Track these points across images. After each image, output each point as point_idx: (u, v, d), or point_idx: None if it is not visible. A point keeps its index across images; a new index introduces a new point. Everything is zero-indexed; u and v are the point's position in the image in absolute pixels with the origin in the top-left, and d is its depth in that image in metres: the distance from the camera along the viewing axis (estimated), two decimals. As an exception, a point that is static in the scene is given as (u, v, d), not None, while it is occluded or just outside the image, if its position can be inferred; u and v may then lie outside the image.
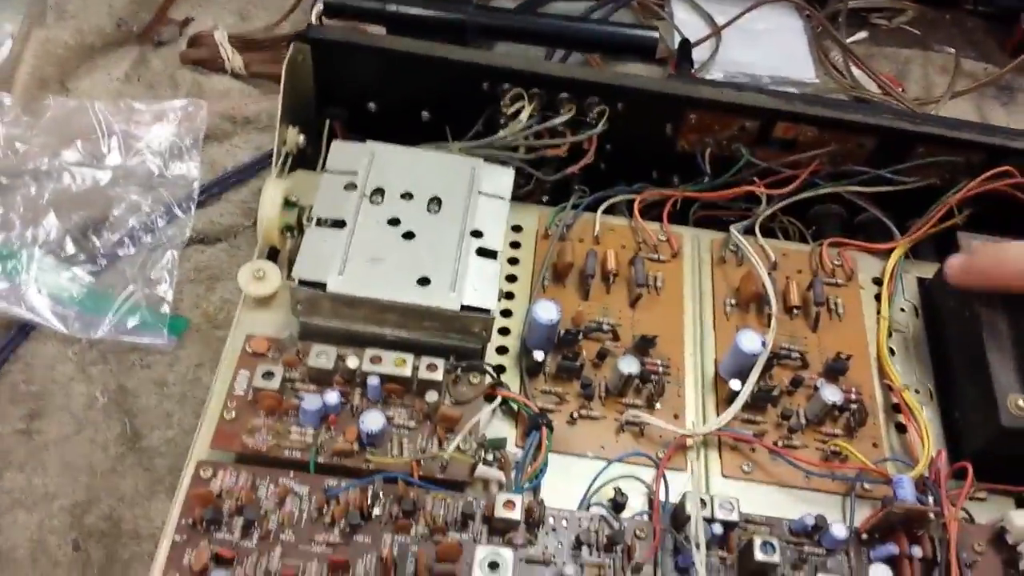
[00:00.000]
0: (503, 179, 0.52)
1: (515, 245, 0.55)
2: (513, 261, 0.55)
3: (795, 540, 0.45)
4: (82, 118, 0.52)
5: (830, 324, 0.54)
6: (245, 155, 0.56)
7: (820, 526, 0.45)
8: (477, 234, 0.49)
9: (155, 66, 0.61)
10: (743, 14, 0.81)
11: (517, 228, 0.56)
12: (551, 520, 0.43)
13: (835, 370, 0.51)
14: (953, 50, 0.83)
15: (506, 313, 0.52)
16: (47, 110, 0.53)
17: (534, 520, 0.43)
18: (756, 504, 0.46)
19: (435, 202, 0.50)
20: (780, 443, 0.49)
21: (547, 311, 0.48)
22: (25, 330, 0.49)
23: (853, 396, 0.50)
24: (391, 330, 0.48)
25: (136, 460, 0.49)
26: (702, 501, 0.44)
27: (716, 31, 0.79)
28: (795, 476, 0.48)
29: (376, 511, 0.43)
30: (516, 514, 0.42)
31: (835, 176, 0.57)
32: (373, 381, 0.46)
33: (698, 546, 0.42)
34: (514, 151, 0.56)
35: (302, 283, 0.46)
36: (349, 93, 0.56)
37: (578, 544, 0.43)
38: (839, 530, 0.44)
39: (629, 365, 0.48)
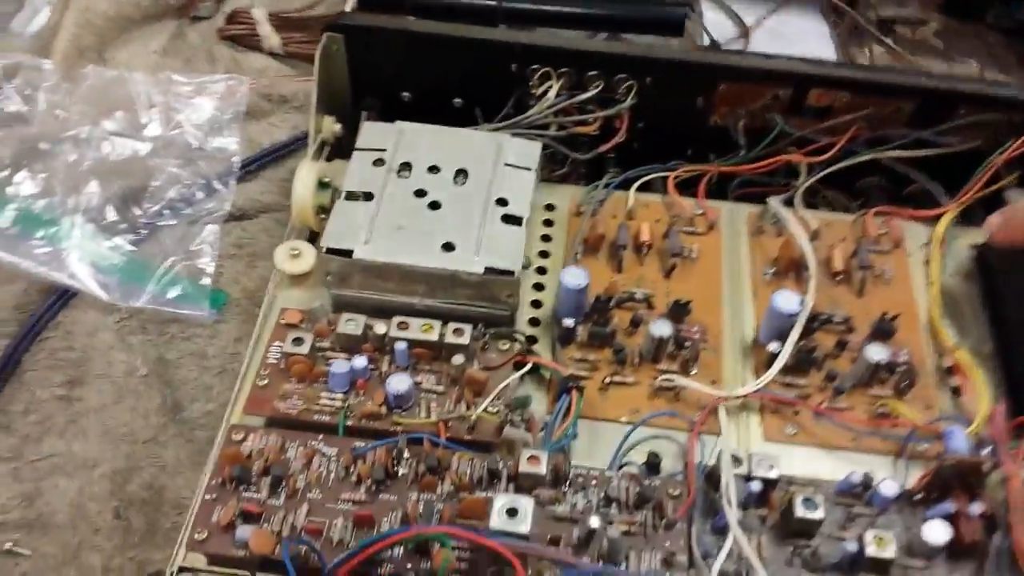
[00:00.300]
0: (530, 151, 0.52)
1: (548, 223, 0.55)
2: (546, 238, 0.54)
3: (843, 501, 0.43)
4: (121, 88, 0.54)
5: (877, 290, 0.52)
6: (282, 133, 0.57)
7: (868, 484, 0.42)
8: (503, 202, 0.49)
9: (192, 41, 0.61)
10: (770, 15, 0.81)
11: (550, 207, 0.56)
12: (580, 480, 0.42)
13: (882, 332, 0.49)
14: (975, 63, 0.80)
15: (539, 287, 0.52)
16: (86, 79, 0.54)
17: (560, 476, 0.42)
18: (801, 468, 0.44)
19: (461, 174, 0.51)
20: (825, 405, 0.47)
21: (575, 277, 0.48)
22: (64, 297, 0.49)
23: (902, 357, 0.48)
24: (421, 300, 0.48)
25: (177, 431, 0.49)
26: (739, 459, 0.43)
27: (745, 32, 0.79)
28: (842, 438, 0.46)
29: (402, 471, 0.42)
30: (541, 469, 0.41)
31: (875, 142, 0.55)
32: (400, 346, 0.46)
33: (730, 502, 0.40)
34: (544, 130, 0.56)
35: (329, 251, 0.47)
36: (383, 82, 0.57)
37: (608, 502, 0.42)
38: (889, 487, 0.42)
39: (661, 328, 0.47)
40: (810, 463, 0.45)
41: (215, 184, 0.52)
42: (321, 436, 0.44)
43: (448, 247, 0.47)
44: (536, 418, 0.44)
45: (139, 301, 0.50)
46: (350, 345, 0.46)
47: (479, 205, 0.49)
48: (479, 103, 0.57)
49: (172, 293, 0.50)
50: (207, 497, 0.42)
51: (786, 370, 0.47)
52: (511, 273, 0.46)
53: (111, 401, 0.50)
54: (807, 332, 0.48)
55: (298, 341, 0.46)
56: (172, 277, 0.51)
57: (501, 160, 0.51)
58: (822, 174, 0.56)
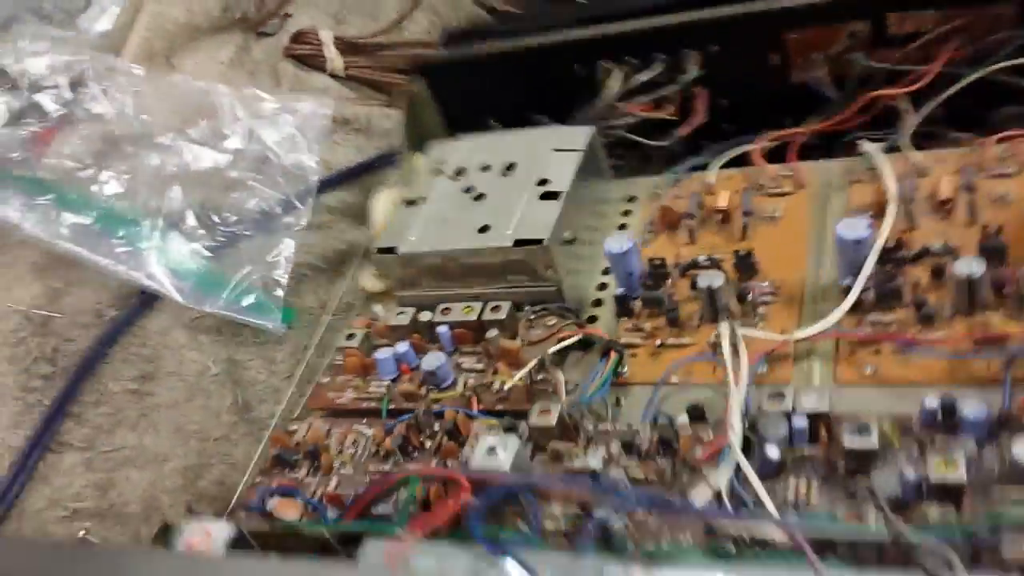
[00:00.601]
0: (578, 134, 0.51)
1: (626, 213, 0.53)
2: (623, 227, 0.52)
3: (925, 435, 0.35)
4: (206, 100, 0.54)
5: (995, 215, 0.43)
6: (344, 152, 0.55)
7: (950, 409, 0.35)
8: (544, 183, 0.49)
9: (256, 55, 0.61)
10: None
11: (632, 199, 0.54)
12: (605, 436, 0.39)
13: (989, 250, 0.41)
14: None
15: (608, 271, 0.50)
16: (174, 87, 0.55)
17: (576, 429, 0.39)
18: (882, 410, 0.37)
19: (510, 168, 0.51)
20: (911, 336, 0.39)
21: (616, 242, 0.45)
22: (148, 302, 0.50)
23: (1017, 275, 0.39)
24: (475, 290, 0.48)
25: (248, 430, 0.50)
26: (781, 394, 0.37)
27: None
28: (931, 372, 0.38)
29: (428, 444, 0.42)
30: (550, 421, 0.39)
31: (980, 59, 0.48)
32: (442, 330, 0.46)
33: (734, 427, 0.35)
34: (618, 123, 0.55)
35: (379, 251, 0.49)
36: (469, 113, 0.59)
37: (629, 451, 0.38)
38: (973, 409, 0.34)
39: (709, 279, 0.43)
40: (892, 404, 0.38)
41: (293, 200, 0.53)
42: (365, 420, 0.45)
43: (484, 229, 0.47)
44: (562, 380, 0.42)
45: (213, 307, 0.51)
46: (401, 336, 0.47)
47: (522, 189, 0.49)
48: (557, 114, 0.58)
49: (246, 301, 0.51)
50: (257, 480, 0.44)
51: (868, 308, 0.41)
52: (540, 241, 0.45)
53: (183, 399, 0.50)
54: (898, 264, 0.42)
55: (351, 336, 0.48)
56: (247, 287, 0.51)
57: (548, 147, 0.51)
58: (929, 108, 0.49)
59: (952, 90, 0.48)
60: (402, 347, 0.46)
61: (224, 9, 0.58)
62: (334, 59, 0.58)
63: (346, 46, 0.58)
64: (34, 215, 0.46)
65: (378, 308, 0.50)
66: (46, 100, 0.49)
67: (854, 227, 0.41)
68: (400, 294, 0.50)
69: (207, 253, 0.50)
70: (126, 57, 0.54)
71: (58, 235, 0.46)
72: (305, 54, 0.58)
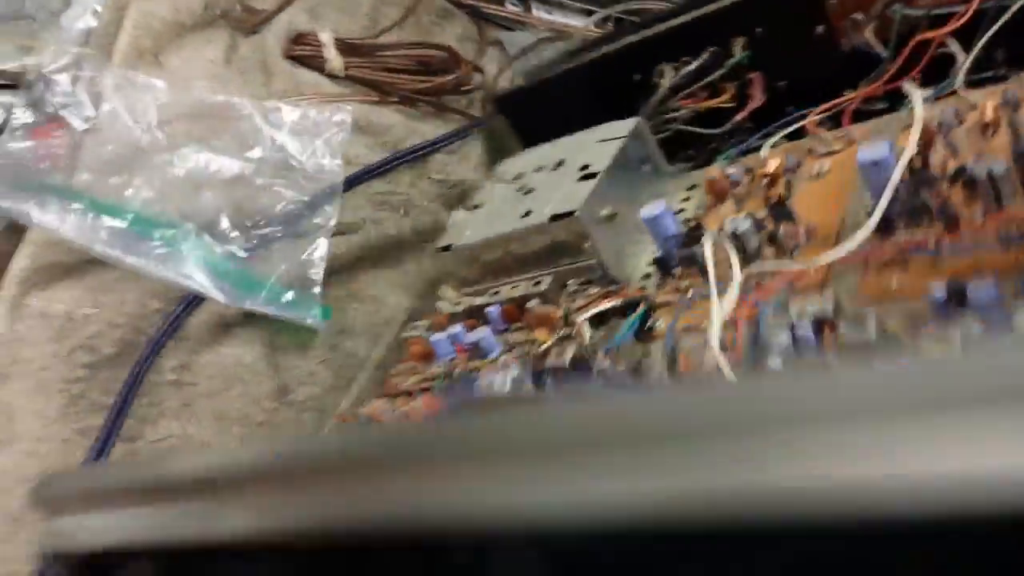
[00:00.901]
0: (622, 125, 0.53)
1: (686, 200, 0.54)
2: (680, 211, 0.53)
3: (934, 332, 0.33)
4: (227, 109, 0.55)
5: (1044, 128, 0.41)
6: (356, 150, 0.58)
7: (958, 294, 0.33)
8: (585, 167, 0.51)
9: (244, 52, 0.61)
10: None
11: (692, 187, 0.54)
12: (621, 375, 0.39)
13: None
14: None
15: (661, 250, 0.50)
16: (193, 100, 0.55)
17: (583, 364, 0.40)
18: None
19: (560, 164, 0.53)
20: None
21: (650, 208, 0.46)
22: (191, 306, 0.51)
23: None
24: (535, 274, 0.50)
25: (289, 414, 0.52)
26: (784, 305, 0.36)
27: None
28: (958, 271, 0.36)
29: (467, 405, 0.43)
30: (564, 360, 0.40)
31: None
32: (491, 309, 0.48)
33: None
34: (674, 119, 0.56)
35: (438, 250, 0.52)
36: (545, 135, 0.62)
37: (637, 371, 0.38)
38: (980, 290, 0.32)
39: (735, 224, 0.43)
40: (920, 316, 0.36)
41: (320, 202, 0.54)
42: (421, 397, 0.47)
43: (527, 214, 0.49)
44: (586, 329, 0.43)
45: (254, 305, 0.51)
46: (457, 322, 0.50)
47: (565, 177, 0.51)
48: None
49: (285, 299, 0.52)
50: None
51: (897, 229, 0.39)
52: (572, 214, 0.47)
53: (222, 387, 0.51)
54: (927, 183, 0.40)
55: (414, 327, 0.51)
56: (283, 287, 0.53)
57: (595, 140, 0.53)
58: (979, 46, 0.47)
59: (999, 23, 0.46)
60: (455, 329, 0.48)
61: (205, 7, 0.58)
62: (333, 60, 0.60)
63: (344, 47, 0.61)
64: (71, 219, 0.48)
65: (443, 304, 0.53)
66: (70, 112, 0.51)
67: (874, 149, 0.40)
68: (464, 291, 0.53)
69: (243, 254, 0.52)
70: (116, 56, 0.55)
71: (96, 239, 0.49)
72: (305, 55, 0.61)
